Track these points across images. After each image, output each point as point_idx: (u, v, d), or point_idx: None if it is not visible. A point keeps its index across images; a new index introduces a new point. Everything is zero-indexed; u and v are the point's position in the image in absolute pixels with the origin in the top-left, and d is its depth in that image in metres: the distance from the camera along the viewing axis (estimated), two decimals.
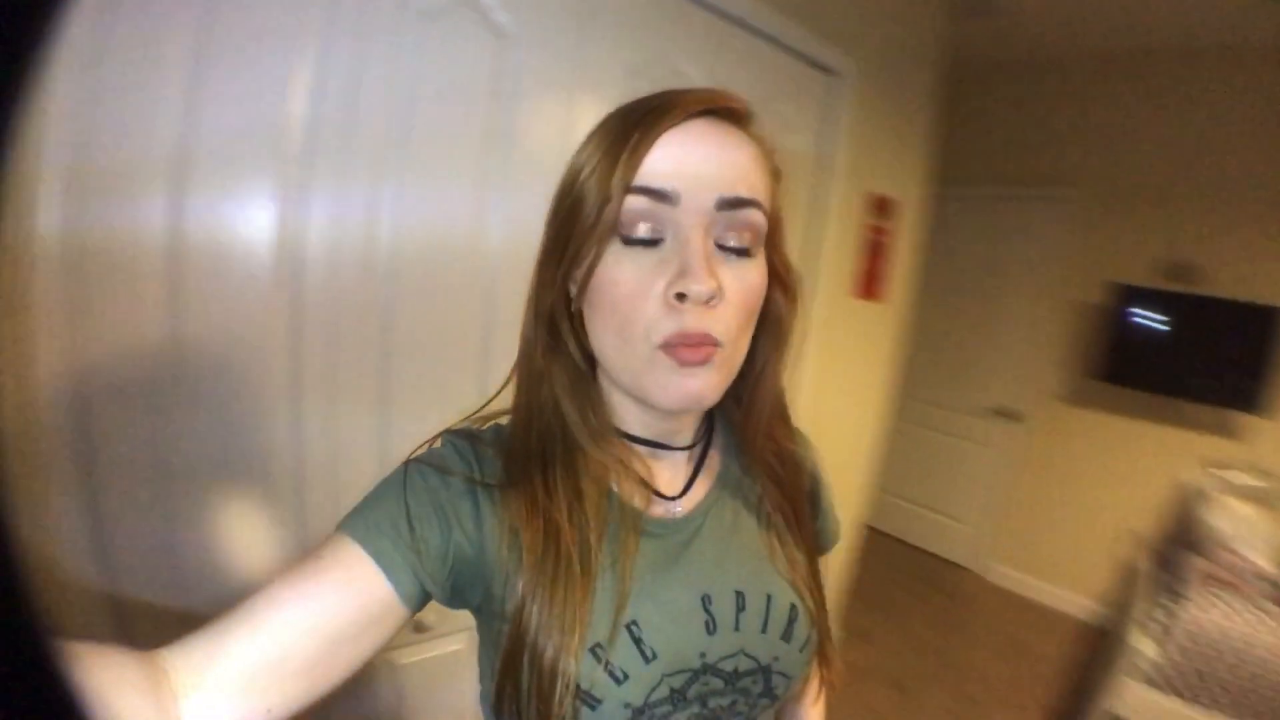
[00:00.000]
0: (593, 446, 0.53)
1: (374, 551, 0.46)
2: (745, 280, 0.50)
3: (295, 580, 0.45)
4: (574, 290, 0.51)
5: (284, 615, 0.43)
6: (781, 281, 0.56)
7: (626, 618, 0.49)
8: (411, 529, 0.48)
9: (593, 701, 0.47)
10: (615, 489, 0.54)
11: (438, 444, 0.55)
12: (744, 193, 0.49)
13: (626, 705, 0.48)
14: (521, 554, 0.49)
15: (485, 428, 0.58)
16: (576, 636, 0.47)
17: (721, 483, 0.60)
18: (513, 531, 0.50)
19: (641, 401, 0.52)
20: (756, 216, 0.49)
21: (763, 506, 0.60)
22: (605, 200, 0.47)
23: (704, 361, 0.48)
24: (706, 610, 0.53)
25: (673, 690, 0.50)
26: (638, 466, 0.56)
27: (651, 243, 0.48)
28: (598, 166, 0.48)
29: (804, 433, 0.68)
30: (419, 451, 0.54)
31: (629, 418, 0.56)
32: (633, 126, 0.48)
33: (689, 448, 0.59)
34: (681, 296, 0.46)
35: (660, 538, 0.55)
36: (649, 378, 0.49)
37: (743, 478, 0.62)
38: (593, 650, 0.48)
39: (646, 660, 0.49)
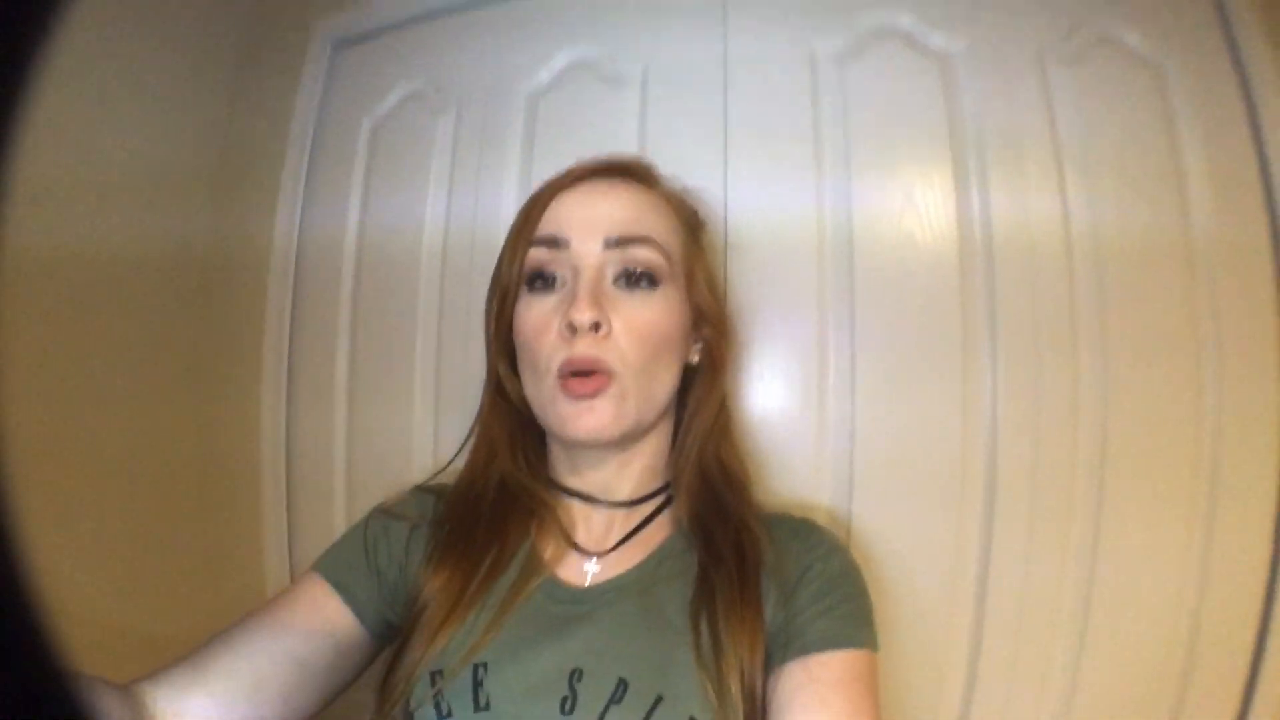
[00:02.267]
0: (520, 491, 0.57)
1: (337, 584, 0.54)
2: (643, 313, 0.55)
3: (269, 613, 0.50)
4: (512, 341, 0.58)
5: (260, 644, 0.47)
6: (709, 321, 0.61)
7: (478, 657, 0.49)
8: (368, 564, 0.56)
9: None
10: (530, 539, 0.56)
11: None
12: (633, 231, 0.56)
13: None
14: (429, 581, 0.53)
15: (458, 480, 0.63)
16: (423, 656, 0.49)
17: (659, 556, 0.56)
18: (427, 559, 0.55)
19: (557, 438, 0.58)
20: (648, 253, 0.56)
21: (702, 585, 0.52)
22: (514, 255, 0.57)
23: (594, 393, 0.52)
24: (571, 686, 0.49)
25: None
26: (561, 516, 0.58)
27: (550, 287, 0.56)
28: (512, 232, 0.59)
29: (813, 521, 0.60)
30: (385, 502, 0.62)
31: (561, 467, 0.60)
32: (537, 195, 0.59)
33: (628, 504, 0.58)
34: (572, 327, 0.52)
35: (558, 601, 0.54)
36: (551, 410, 0.54)
37: (687, 550, 0.56)
38: (431, 675, 0.49)
39: (476, 707, 0.48)
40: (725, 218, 0.80)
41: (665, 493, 0.60)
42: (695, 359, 0.61)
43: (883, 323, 0.74)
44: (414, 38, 1.10)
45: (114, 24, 1.11)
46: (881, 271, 0.74)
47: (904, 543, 0.69)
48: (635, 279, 0.55)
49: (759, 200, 0.79)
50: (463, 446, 0.63)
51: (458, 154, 1.00)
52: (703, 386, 0.61)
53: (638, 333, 0.54)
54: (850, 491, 0.72)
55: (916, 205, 0.74)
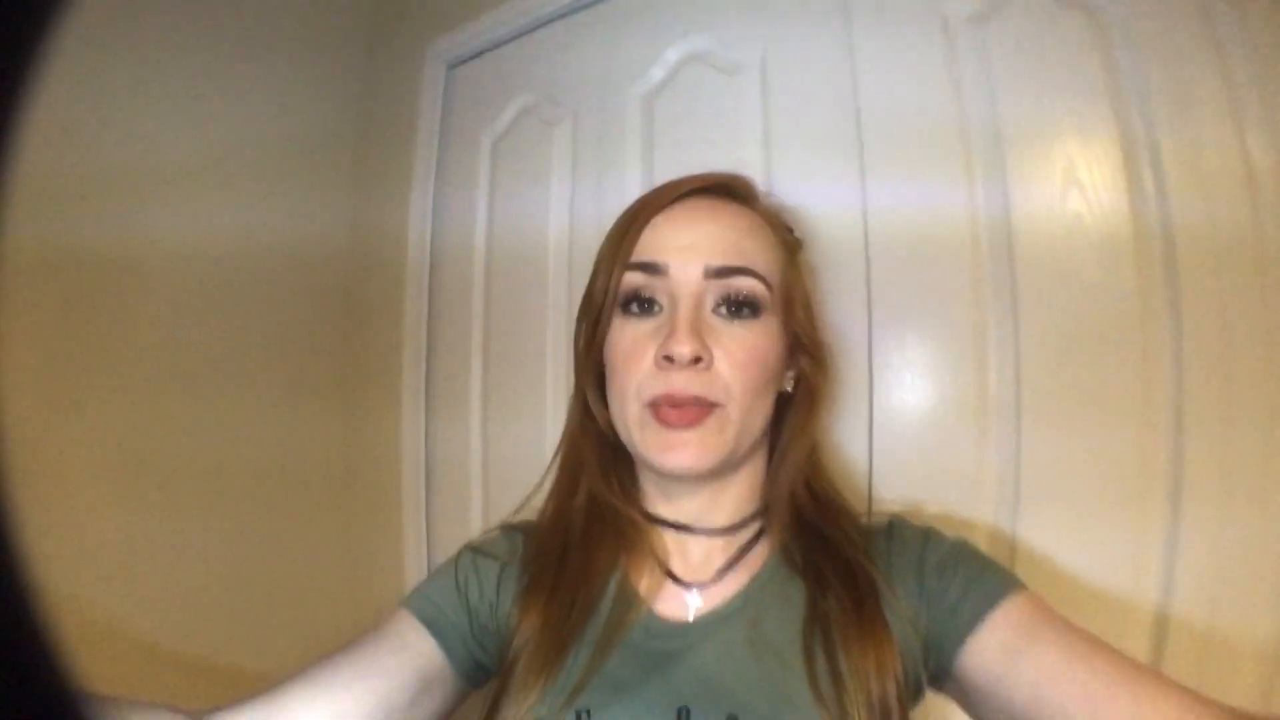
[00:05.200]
0: (611, 516, 0.56)
1: (427, 621, 0.53)
2: (744, 343, 0.52)
3: (353, 649, 0.50)
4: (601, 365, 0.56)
5: (342, 679, 0.47)
6: (806, 350, 0.59)
7: (581, 703, 0.48)
8: (460, 602, 0.55)
9: None
10: (622, 570, 0.55)
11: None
12: (734, 261, 0.53)
13: None
14: (522, 622, 0.52)
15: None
16: (523, 703, 0.48)
17: (761, 581, 0.54)
18: (518, 600, 0.54)
19: (649, 468, 0.56)
20: (749, 283, 0.53)
21: (813, 612, 0.50)
22: (607, 278, 0.55)
23: (692, 423, 0.50)
24: None
25: None
26: (656, 547, 0.56)
27: (647, 312, 0.54)
28: (607, 251, 0.56)
29: (895, 516, 0.57)
30: (475, 540, 0.62)
31: (653, 495, 0.58)
32: (632, 215, 0.57)
33: (725, 530, 0.56)
34: (669, 359, 0.50)
35: (658, 636, 0.52)
36: (640, 438, 0.52)
37: (790, 577, 0.53)
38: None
39: None
40: (865, 209, 0.75)
41: (761, 518, 0.57)
42: (789, 387, 0.59)
43: (1049, 319, 0.66)
44: (521, 51, 1.12)
45: (247, 46, 1.21)
46: (1045, 262, 0.67)
47: (1077, 561, 0.63)
48: (736, 308, 0.53)
49: (900, 188, 0.73)
50: (551, 465, 0.61)
51: (577, 162, 1.01)
52: (799, 415, 0.58)
53: (739, 364, 0.52)
54: (1015, 508, 0.66)
55: (1081, 181, 0.65)
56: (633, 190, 0.92)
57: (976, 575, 0.49)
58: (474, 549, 0.60)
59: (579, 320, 0.59)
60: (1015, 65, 0.70)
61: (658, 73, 0.94)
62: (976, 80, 0.71)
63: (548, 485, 0.61)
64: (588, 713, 0.48)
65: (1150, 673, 0.40)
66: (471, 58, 1.19)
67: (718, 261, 0.53)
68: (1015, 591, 0.47)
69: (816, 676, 0.46)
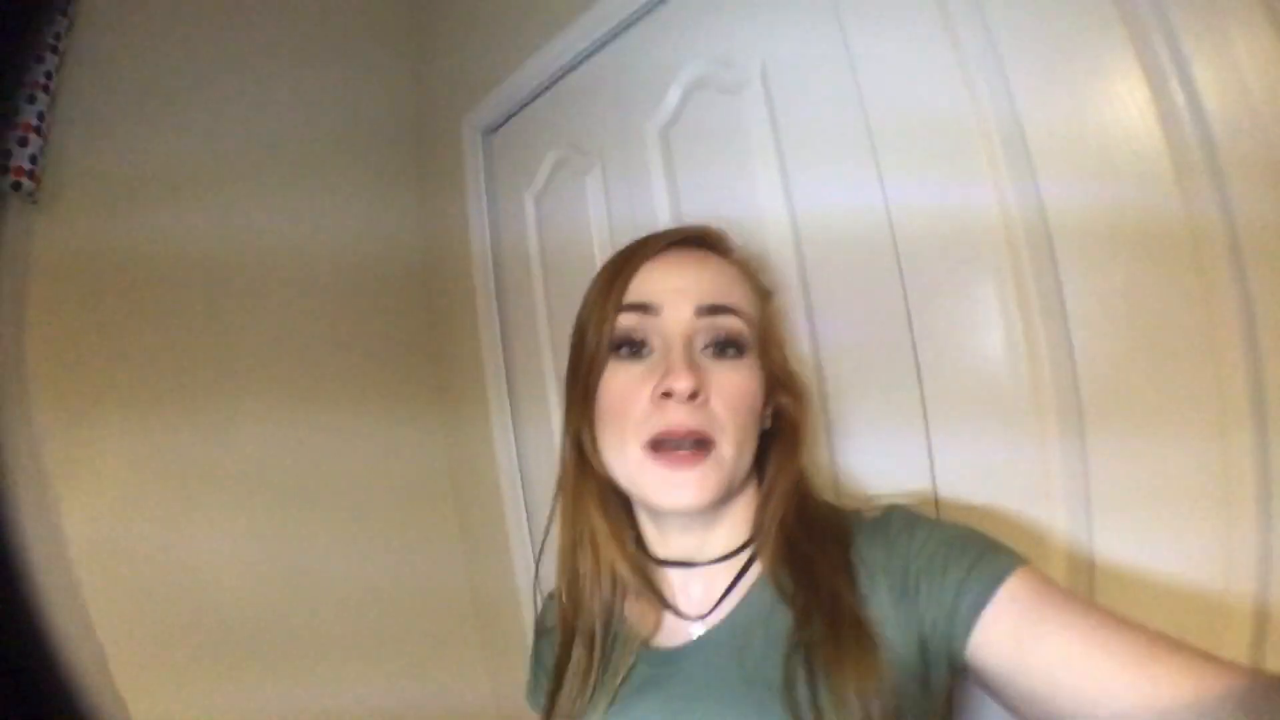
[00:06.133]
0: (621, 558, 0.58)
1: (540, 709, 0.62)
2: (733, 380, 0.55)
3: None
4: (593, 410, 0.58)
5: None
6: (785, 388, 0.61)
7: None
8: (541, 687, 0.64)
9: None
10: (624, 613, 0.59)
11: None
12: (721, 300, 0.57)
13: None
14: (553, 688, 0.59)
15: None
16: None
17: (749, 607, 0.55)
18: (549, 675, 0.61)
19: (645, 507, 0.58)
20: (735, 322, 0.57)
21: (796, 639, 0.50)
22: (602, 321, 0.57)
23: (693, 464, 0.52)
24: None
25: None
26: (663, 588, 0.59)
27: (637, 355, 0.56)
28: (595, 299, 0.59)
29: (887, 510, 0.56)
30: (537, 616, 0.70)
31: (653, 537, 0.61)
32: (620, 263, 0.60)
33: (723, 559, 0.58)
34: (667, 395, 0.52)
35: (654, 665, 0.56)
36: (639, 478, 0.54)
37: (777, 603, 0.53)
38: None
39: None
40: (887, 207, 0.73)
41: (754, 547, 0.58)
42: (767, 424, 0.61)
43: (1102, 310, 0.60)
44: (545, 107, 1.19)
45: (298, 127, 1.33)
46: (1086, 249, 0.61)
47: (1159, 562, 0.57)
48: (723, 347, 0.56)
49: (921, 183, 0.70)
50: (552, 512, 0.64)
51: (611, 205, 1.06)
52: (784, 449, 0.60)
53: (731, 400, 0.54)
54: (1088, 511, 0.60)
55: (1112, 151, 0.58)
56: (664, 221, 0.96)
57: (971, 565, 0.47)
58: (537, 628, 0.69)
59: (570, 366, 0.61)
60: (1020, 35, 0.65)
61: (668, 105, 0.97)
62: (982, 61, 0.67)
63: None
64: None
65: (1164, 646, 0.39)
66: (502, 123, 1.28)
67: (707, 300, 0.56)
68: (1012, 574, 0.45)
69: (798, 703, 0.47)
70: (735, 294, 0.59)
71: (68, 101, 1.07)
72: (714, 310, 0.56)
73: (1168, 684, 0.37)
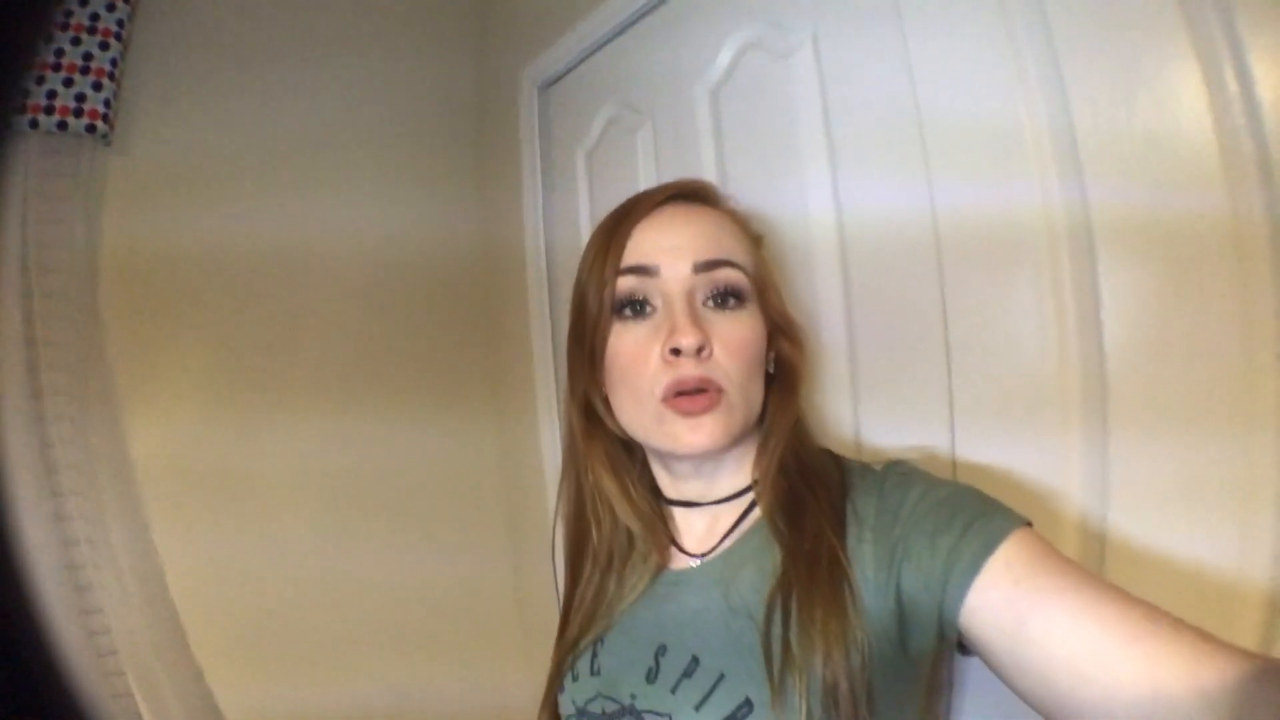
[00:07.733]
0: (631, 513, 0.62)
1: None
2: (737, 330, 0.57)
3: None
4: (600, 375, 0.61)
5: None
6: (784, 333, 0.63)
7: (597, 635, 0.62)
8: None
9: (562, 686, 0.63)
10: (639, 546, 0.63)
11: None
12: (718, 255, 0.58)
13: (572, 701, 0.61)
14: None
15: None
16: (571, 637, 0.64)
17: (743, 544, 0.59)
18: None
19: (665, 455, 0.62)
20: (734, 275, 0.58)
21: (781, 584, 0.53)
22: (601, 286, 0.58)
23: (705, 409, 0.55)
24: (656, 659, 0.56)
25: (604, 712, 0.57)
26: (671, 527, 0.64)
27: (641, 314, 0.58)
28: (593, 264, 0.60)
29: (896, 460, 0.58)
30: None
31: (665, 482, 0.65)
32: (613, 226, 0.61)
33: (723, 501, 0.62)
34: (676, 352, 0.55)
35: (662, 583, 0.62)
36: (659, 430, 0.57)
37: (770, 543, 0.56)
38: (573, 648, 0.63)
39: (592, 673, 0.61)
40: (932, 201, 0.72)
41: (754, 490, 0.61)
42: (770, 369, 0.63)
43: (1136, 304, 0.60)
44: (600, 64, 1.20)
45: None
46: (1128, 249, 0.60)
47: (1173, 547, 0.58)
48: (723, 299, 0.58)
49: (965, 173, 0.69)
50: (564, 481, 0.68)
51: (660, 163, 1.08)
52: (783, 393, 0.63)
53: (735, 350, 0.57)
54: (1104, 499, 0.61)
55: (1161, 147, 0.56)
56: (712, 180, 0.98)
57: (965, 528, 0.47)
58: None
59: (572, 331, 0.63)
60: (1081, 38, 0.63)
61: (719, 65, 0.97)
62: (1040, 63, 0.65)
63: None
64: (601, 641, 0.62)
65: (1166, 623, 0.38)
66: (558, 78, 1.31)
67: (704, 256, 0.58)
68: (1008, 537, 0.45)
69: (770, 638, 0.50)
70: (730, 246, 0.60)
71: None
72: (711, 265, 0.58)
73: (1166, 664, 0.36)
